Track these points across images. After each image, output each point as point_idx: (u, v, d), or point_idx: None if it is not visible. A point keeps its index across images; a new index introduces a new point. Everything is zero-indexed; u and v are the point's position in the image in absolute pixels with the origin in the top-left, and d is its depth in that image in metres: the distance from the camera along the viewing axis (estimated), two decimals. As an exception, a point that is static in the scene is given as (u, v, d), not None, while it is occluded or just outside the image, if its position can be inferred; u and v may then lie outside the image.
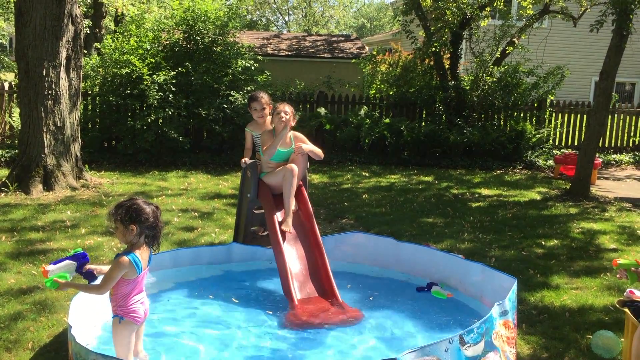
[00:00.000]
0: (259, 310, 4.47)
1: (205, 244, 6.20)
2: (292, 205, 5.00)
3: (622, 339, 3.89)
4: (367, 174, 11.47)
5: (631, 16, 9.14)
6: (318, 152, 5.28)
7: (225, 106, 11.64)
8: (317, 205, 8.63)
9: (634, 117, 14.81)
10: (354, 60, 16.71)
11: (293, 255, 4.82)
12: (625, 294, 3.90)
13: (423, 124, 13.33)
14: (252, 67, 12.21)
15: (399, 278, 5.30)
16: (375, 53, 15.50)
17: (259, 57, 12.92)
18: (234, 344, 3.95)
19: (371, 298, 4.83)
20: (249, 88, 11.96)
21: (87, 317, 3.95)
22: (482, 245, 6.75)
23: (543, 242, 6.92)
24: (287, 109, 5.19)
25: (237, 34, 12.92)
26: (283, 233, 4.85)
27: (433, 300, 4.87)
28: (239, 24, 12.71)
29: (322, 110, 13.45)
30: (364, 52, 19.74)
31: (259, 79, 12.35)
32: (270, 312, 4.42)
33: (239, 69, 11.98)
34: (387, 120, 13.20)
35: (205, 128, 11.94)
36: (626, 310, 3.71)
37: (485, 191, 10.10)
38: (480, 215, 8.26)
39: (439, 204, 8.96)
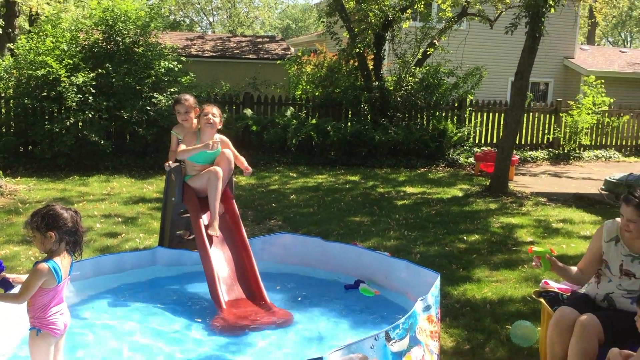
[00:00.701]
0: (185, 315, 4.39)
1: (130, 250, 6.04)
2: (218, 208, 4.94)
3: (539, 328, 4.07)
4: (294, 175, 11.51)
5: (543, 19, 9.60)
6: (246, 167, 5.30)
7: (149, 108, 11.38)
8: (244, 207, 8.57)
9: (548, 115, 15.56)
10: (279, 61, 16.71)
11: (220, 259, 4.76)
12: (540, 284, 4.09)
13: (349, 124, 13.50)
14: (176, 69, 12.00)
15: (327, 277, 5.34)
16: (300, 54, 15.56)
17: (183, 58, 12.72)
18: (160, 350, 3.86)
19: (299, 298, 4.85)
20: (172, 90, 11.73)
21: (3, 328, 3.76)
22: (408, 242, 6.91)
23: (465, 237, 7.15)
24: (214, 111, 5.12)
25: (160, 35, 12.66)
26: (210, 236, 4.79)
27: (361, 298, 4.94)
28: (161, 24, 12.46)
29: (249, 112, 13.39)
30: (289, 53, 19.78)
31: (183, 80, 12.14)
32: (197, 317, 4.35)
33: (162, 70, 11.74)
34: (314, 121, 13.29)
35: (127, 131, 11.62)
36: (542, 300, 3.89)
37: (410, 189, 10.34)
38: (405, 212, 8.45)
39: (365, 202, 9.10)
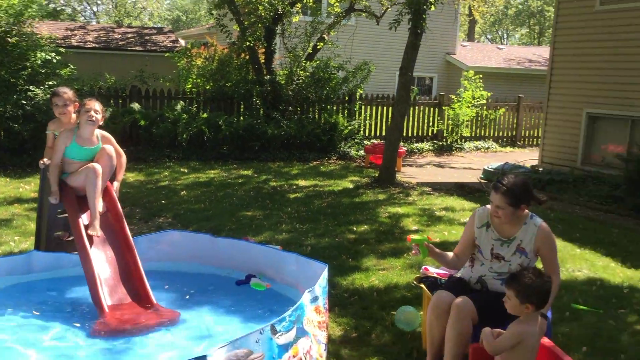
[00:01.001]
0: (64, 322, 4.16)
1: (3, 255, 5.64)
2: (99, 207, 4.73)
3: (421, 313, 4.25)
4: (185, 170, 11.26)
5: (424, 16, 10.00)
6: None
7: (25, 102, 10.68)
8: (132, 204, 8.29)
9: (432, 109, 16.27)
10: (167, 54, 16.25)
11: (102, 260, 4.56)
12: (421, 271, 4.27)
13: (241, 118, 13.40)
14: (54, 60, 11.33)
15: (218, 274, 5.27)
16: (190, 47, 15.21)
17: (62, 50, 12.02)
18: (36, 358, 3.64)
19: (187, 297, 4.74)
20: (50, 83, 11.07)
21: None
22: (299, 234, 6.97)
23: (354, 228, 7.33)
24: (97, 107, 4.88)
25: (35, 24, 11.89)
26: (90, 237, 4.57)
27: (252, 293, 4.90)
28: (37, 12, 11.69)
29: (136, 106, 12.92)
30: (178, 45, 19.28)
31: (62, 72, 11.49)
32: (78, 323, 4.14)
33: (39, 62, 11.05)
34: (205, 115, 13.06)
35: (1, 127, 10.84)
36: (422, 285, 4.07)
37: (302, 182, 10.44)
38: (297, 206, 8.53)
39: (258, 197, 9.08)
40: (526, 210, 3.59)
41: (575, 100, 11.45)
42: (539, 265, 3.65)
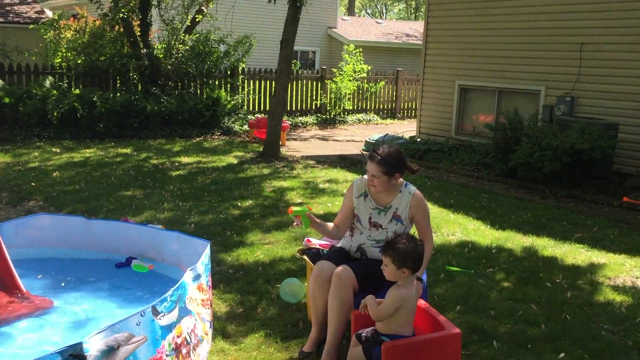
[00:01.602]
0: None
1: None
2: None
3: (306, 284, 4.31)
4: (58, 150, 10.60)
5: (303, -11, 10.00)
6: None
7: None
8: (-3, 188, 7.70)
9: (314, 83, 16.41)
10: (32, 26, 15.08)
11: (-39, 249, 4.19)
12: (303, 242, 4.32)
13: (118, 94, 12.79)
14: None
15: (95, 258, 5.03)
16: (57, 18, 14.19)
17: None
18: None
19: (63, 284, 4.50)
20: None
21: None
22: (182, 212, 6.81)
23: (239, 204, 7.28)
24: None
25: None
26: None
27: (134, 275, 4.74)
28: None
29: (-1, 82, 11.93)
30: (44, 16, 17.95)
31: None
32: (-64, 318, 3.80)
33: None
34: (77, 91, 12.33)
35: None
36: (305, 257, 4.12)
37: (185, 159, 10.18)
38: (180, 183, 8.32)
39: (138, 175, 8.75)
40: (401, 179, 3.72)
41: (448, 73, 12.01)
42: (414, 231, 3.82)
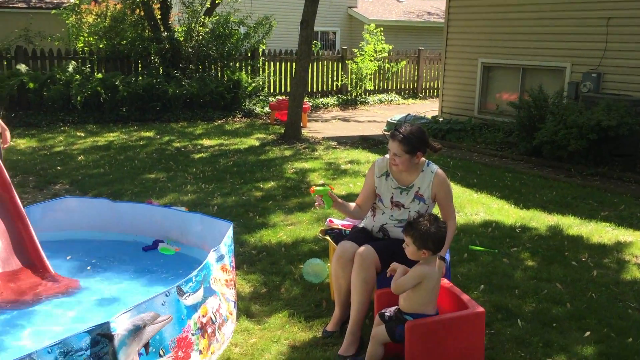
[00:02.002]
0: (-47, 299, 3.91)
1: None
2: None
3: (328, 264, 4.32)
4: (82, 134, 10.73)
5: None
6: None
7: None
8: (24, 172, 7.84)
9: (335, 63, 16.30)
10: (54, 11, 15.19)
11: (-10, 232, 4.28)
12: (326, 223, 4.33)
13: (140, 78, 12.86)
14: None
15: (122, 240, 5.10)
16: (79, 2, 14.27)
17: None
18: None
19: (89, 268, 4.56)
20: None
21: None
22: (205, 195, 6.86)
23: (261, 185, 7.30)
24: None
25: None
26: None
27: (159, 257, 4.80)
28: None
29: (23, 67, 12.09)
30: (65, 1, 18.06)
31: None
32: (-31, 299, 3.90)
33: None
34: (100, 76, 12.43)
35: None
36: (327, 237, 4.12)
37: (207, 142, 10.23)
38: (202, 166, 8.37)
39: (161, 158, 8.82)
40: (423, 158, 3.69)
41: (470, 51, 11.83)
42: (437, 211, 3.80)
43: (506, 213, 6.33)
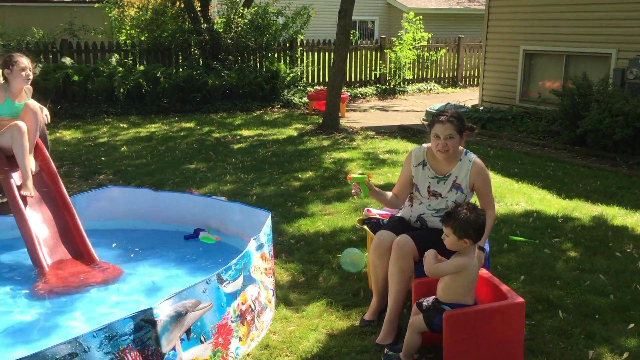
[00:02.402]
0: (4, 283, 4.06)
1: None
2: (31, 166, 4.55)
3: (366, 253, 4.33)
4: (125, 126, 10.96)
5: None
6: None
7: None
8: (70, 163, 8.06)
9: (373, 53, 16.20)
10: (97, 5, 15.52)
11: (38, 220, 4.43)
12: (363, 212, 4.33)
13: (180, 69, 13.05)
14: (-26, 15, 10.66)
15: (164, 229, 5.21)
16: (121, -4, 14.55)
17: (-18, 3, 11.32)
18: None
19: (132, 255, 4.68)
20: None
21: None
22: (244, 184, 6.94)
23: (300, 175, 7.34)
24: (30, 65, 4.68)
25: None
26: (24, 198, 4.42)
27: (200, 246, 4.88)
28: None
29: (68, 60, 12.39)
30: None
31: (-16, 28, 10.84)
32: (20, 285, 4.05)
33: (-43, 17, 10.37)
34: (142, 68, 12.66)
35: None
36: (365, 227, 4.13)
37: (246, 132, 10.33)
38: (241, 156, 8.46)
39: (201, 149, 8.95)
40: (461, 147, 3.65)
41: (512, 38, 11.60)
42: (475, 200, 3.76)
43: (548, 203, 6.21)
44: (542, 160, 8.27)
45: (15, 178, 4.51)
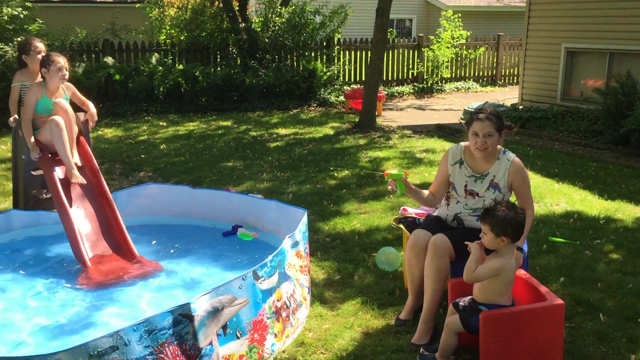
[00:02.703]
0: (48, 276, 4.18)
1: (-18, 216, 5.59)
2: (74, 157, 4.65)
3: (402, 252, 4.31)
4: (164, 124, 11.14)
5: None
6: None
7: (-6, 61, 10.39)
8: (111, 160, 8.24)
9: (411, 51, 16.08)
10: (138, 5, 15.80)
11: (81, 215, 4.54)
12: (399, 211, 4.31)
13: (218, 68, 13.19)
14: (21, 16, 10.96)
15: (201, 225, 5.27)
16: (161, -4, 14.78)
17: (28, 4, 11.63)
18: (25, 317, 3.66)
19: (172, 251, 4.75)
20: (19, 39, 10.74)
21: None
22: (281, 182, 6.98)
23: (335, 174, 7.35)
24: (66, 64, 4.80)
25: (-2, -22, 11.45)
26: (67, 193, 4.53)
27: (237, 243, 4.93)
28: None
29: (110, 60, 12.65)
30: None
31: (30, 28, 11.14)
32: (62, 278, 4.16)
33: (5, 17, 10.68)
34: (181, 67, 12.84)
35: (-28, 87, 10.59)
36: (401, 226, 4.11)
37: (282, 131, 10.38)
38: (278, 154, 8.51)
39: (238, 147, 9.04)
40: (499, 146, 3.60)
41: (553, 35, 11.36)
42: (513, 200, 3.70)
43: (589, 204, 6.07)
44: (584, 161, 8.09)
45: (59, 173, 4.64)
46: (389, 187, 3.64)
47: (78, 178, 4.54)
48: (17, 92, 4.93)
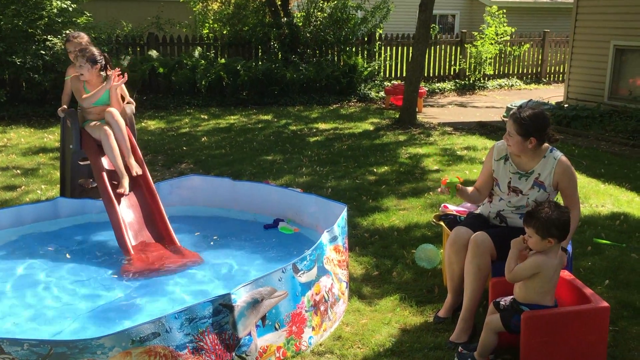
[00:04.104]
0: (92, 264, 4.29)
1: (30, 202, 5.77)
2: (135, 168, 4.70)
3: (442, 250, 4.27)
4: (205, 117, 11.27)
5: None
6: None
7: (44, 52, 10.68)
8: (154, 151, 8.38)
9: (453, 47, 15.88)
10: (182, -1, 16.02)
11: (125, 205, 4.64)
12: (440, 208, 4.27)
13: (259, 62, 13.27)
14: (70, 9, 11.23)
15: (242, 218, 5.32)
16: (205, -9, 14.95)
17: (77, -3, 11.91)
18: (70, 301, 3.77)
19: (212, 243, 4.81)
20: (68, 31, 11.01)
21: None
22: (320, 177, 6.99)
23: (375, 170, 7.32)
24: (74, 48, 4.90)
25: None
26: (112, 183, 4.63)
27: (277, 236, 4.95)
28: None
29: (154, 53, 12.87)
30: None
31: (79, 21, 11.41)
32: (105, 265, 4.26)
33: (55, 10, 10.96)
34: (223, 61, 12.97)
35: (23, 78, 10.91)
36: (441, 223, 4.07)
37: (322, 125, 10.39)
38: (317, 149, 8.52)
39: (278, 141, 9.08)
40: (546, 144, 3.52)
41: (602, 32, 11.06)
42: (558, 199, 3.62)
43: (637, 206, 5.90)
44: (632, 161, 7.87)
45: (104, 164, 4.74)
46: (439, 189, 3.63)
47: (123, 188, 4.57)
48: (69, 86, 5.06)
